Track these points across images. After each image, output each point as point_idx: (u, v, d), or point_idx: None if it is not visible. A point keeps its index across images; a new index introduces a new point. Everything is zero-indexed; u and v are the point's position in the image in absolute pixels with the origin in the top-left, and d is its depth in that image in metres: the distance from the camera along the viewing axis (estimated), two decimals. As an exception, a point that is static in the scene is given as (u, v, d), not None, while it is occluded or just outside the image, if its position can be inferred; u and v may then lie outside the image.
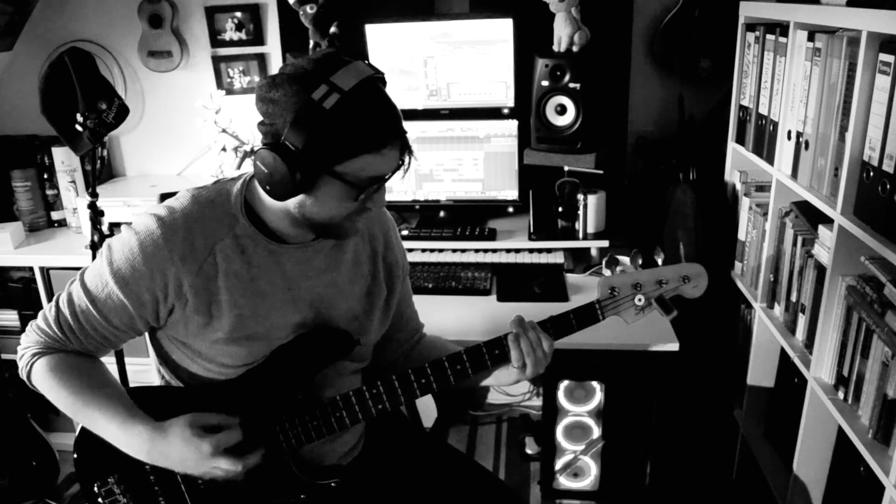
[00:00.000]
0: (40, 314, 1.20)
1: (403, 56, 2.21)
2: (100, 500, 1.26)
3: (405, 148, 1.13)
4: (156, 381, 1.33)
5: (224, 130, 2.34)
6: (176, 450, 1.13)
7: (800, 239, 1.64)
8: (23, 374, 1.20)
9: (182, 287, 1.13)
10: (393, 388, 1.22)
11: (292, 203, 1.12)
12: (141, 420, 1.15)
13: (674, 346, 1.71)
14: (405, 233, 2.22)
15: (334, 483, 1.27)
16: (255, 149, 1.10)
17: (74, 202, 2.48)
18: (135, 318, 1.16)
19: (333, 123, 1.03)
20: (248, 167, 2.36)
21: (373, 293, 1.33)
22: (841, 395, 1.44)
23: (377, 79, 1.10)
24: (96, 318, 1.15)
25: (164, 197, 1.66)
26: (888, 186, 1.22)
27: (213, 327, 1.17)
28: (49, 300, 2.35)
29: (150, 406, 1.19)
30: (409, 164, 1.14)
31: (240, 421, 1.18)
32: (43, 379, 1.17)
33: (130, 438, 1.14)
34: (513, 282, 2.04)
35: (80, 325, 1.16)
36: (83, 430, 1.24)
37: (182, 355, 1.23)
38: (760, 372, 1.93)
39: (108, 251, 1.15)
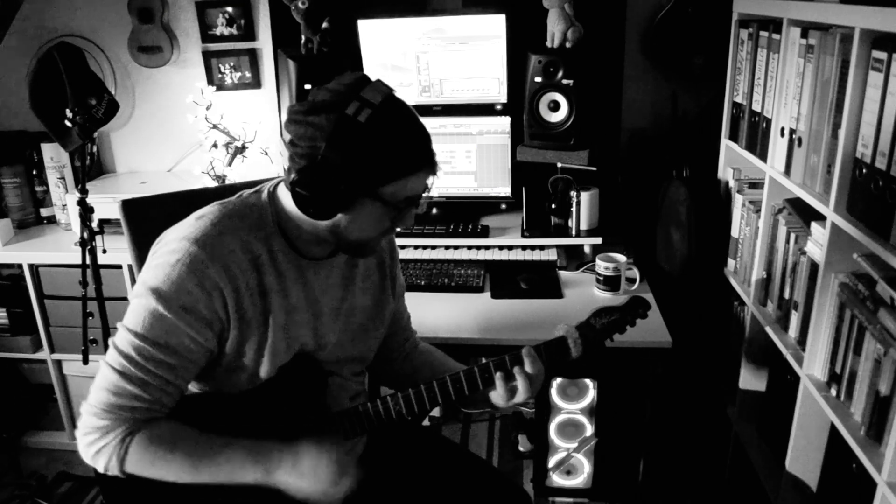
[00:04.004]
0: (95, 392, 1.08)
1: (396, 52, 2.19)
2: None
3: (435, 167, 1.14)
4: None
5: (215, 126, 2.33)
6: (322, 466, 1.10)
7: (793, 236, 1.64)
8: (113, 470, 1.08)
9: (239, 298, 1.12)
10: (409, 401, 1.24)
11: (327, 222, 1.12)
12: (271, 450, 1.11)
13: (667, 344, 1.71)
14: (397, 230, 2.20)
15: None
16: (292, 178, 1.07)
17: (64, 199, 2.46)
18: (201, 345, 1.10)
19: (370, 139, 1.04)
20: (243, 168, 2.35)
21: (381, 302, 1.37)
22: (833, 392, 1.44)
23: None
24: (162, 358, 1.07)
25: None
26: (881, 183, 1.22)
27: (262, 341, 1.16)
28: (39, 298, 2.36)
29: (192, 414, 1.16)
30: (434, 182, 1.16)
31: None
32: (143, 463, 1.08)
33: (271, 475, 1.10)
34: (506, 279, 2.03)
35: (150, 371, 1.07)
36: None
37: (212, 370, 1.20)
38: (753, 369, 1.93)
39: (149, 292, 1.07)
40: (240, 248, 1.13)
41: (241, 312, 1.13)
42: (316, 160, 1.04)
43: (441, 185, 2.26)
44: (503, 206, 2.28)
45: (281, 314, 1.17)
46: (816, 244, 1.51)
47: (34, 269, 2.34)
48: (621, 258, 1.95)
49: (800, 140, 1.56)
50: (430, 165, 1.11)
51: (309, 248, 1.21)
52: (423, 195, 1.15)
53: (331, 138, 1.03)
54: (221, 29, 2.46)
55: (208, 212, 1.16)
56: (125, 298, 2.26)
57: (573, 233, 2.12)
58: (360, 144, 1.03)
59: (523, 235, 2.15)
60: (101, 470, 1.09)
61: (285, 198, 1.17)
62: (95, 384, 1.08)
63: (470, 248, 2.18)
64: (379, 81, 1.08)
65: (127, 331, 1.08)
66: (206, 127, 2.32)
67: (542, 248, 2.17)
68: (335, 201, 1.07)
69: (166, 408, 1.11)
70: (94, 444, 1.07)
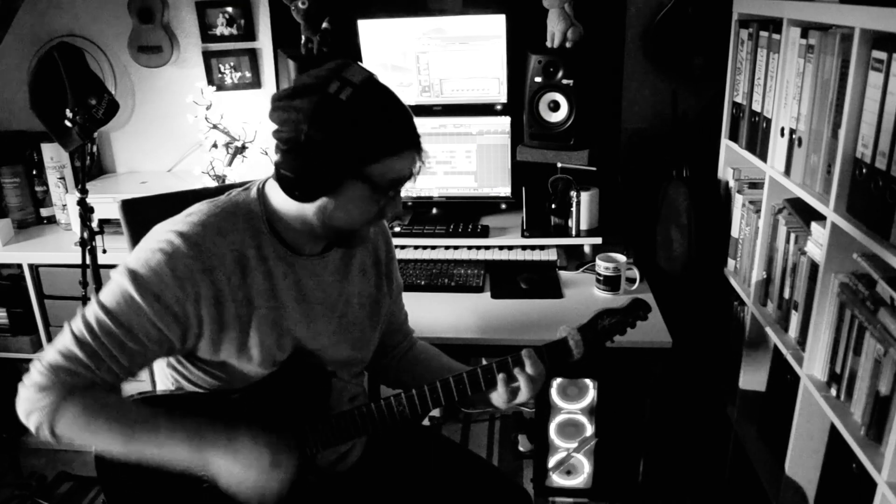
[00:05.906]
0: (50, 350, 1.09)
1: (396, 52, 2.19)
2: None
3: (420, 150, 1.13)
4: (158, 384, 1.32)
5: (215, 126, 2.32)
6: (257, 451, 1.10)
7: (793, 236, 1.64)
8: (45, 431, 1.07)
9: (218, 299, 1.11)
10: (413, 402, 1.24)
11: (313, 208, 1.12)
12: (206, 430, 1.11)
13: (667, 344, 1.71)
14: (397, 229, 2.21)
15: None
16: (276, 160, 1.09)
17: (64, 199, 2.46)
18: (163, 336, 1.10)
19: (353, 117, 1.04)
20: (243, 168, 2.35)
21: (378, 301, 1.36)
22: (833, 392, 1.44)
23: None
24: (120, 337, 1.07)
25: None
26: (881, 183, 1.22)
27: (242, 341, 1.16)
28: (39, 298, 2.36)
29: (189, 413, 1.15)
30: (421, 169, 1.15)
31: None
32: (76, 426, 1.07)
33: (203, 453, 1.10)
34: (506, 279, 2.03)
35: (104, 345, 1.07)
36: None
37: (200, 366, 1.20)
38: (753, 369, 1.93)
39: (126, 272, 1.09)
40: (225, 247, 1.13)
41: (220, 310, 1.12)
42: (300, 141, 1.04)
43: (441, 185, 2.26)
44: (503, 206, 2.28)
45: (268, 312, 1.17)
46: (816, 244, 1.51)
47: (34, 269, 2.34)
48: (621, 258, 1.95)
49: (800, 140, 1.56)
50: (415, 146, 1.11)
51: (300, 244, 1.21)
52: (410, 181, 1.14)
53: (313, 117, 1.03)
54: (221, 29, 2.46)
55: (196, 210, 1.16)
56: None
57: (573, 233, 2.12)
58: (343, 121, 1.03)
59: (523, 235, 2.15)
60: (32, 430, 1.08)
61: (275, 194, 1.17)
62: (52, 344, 1.10)
63: (470, 248, 2.18)
64: (359, 64, 1.09)
65: (97, 303, 1.10)
66: (206, 127, 2.32)
67: (542, 248, 2.17)
68: (320, 182, 1.07)
69: (108, 385, 1.11)
70: (28, 400, 1.07)
